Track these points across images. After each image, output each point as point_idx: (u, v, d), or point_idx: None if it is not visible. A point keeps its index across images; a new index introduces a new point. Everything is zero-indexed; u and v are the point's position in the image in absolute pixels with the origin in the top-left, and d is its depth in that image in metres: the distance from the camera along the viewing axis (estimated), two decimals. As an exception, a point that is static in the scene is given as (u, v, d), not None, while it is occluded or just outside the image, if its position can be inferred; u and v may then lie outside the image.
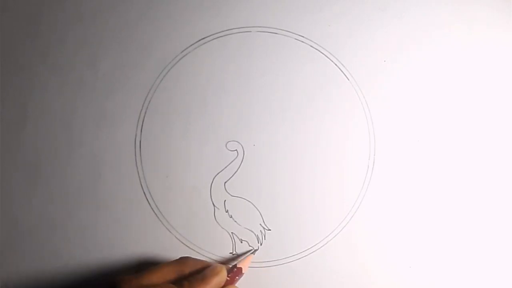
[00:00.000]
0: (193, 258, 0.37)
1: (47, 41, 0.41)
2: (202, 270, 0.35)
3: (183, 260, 0.36)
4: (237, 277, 0.37)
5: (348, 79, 0.42)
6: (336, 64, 0.42)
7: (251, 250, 0.40)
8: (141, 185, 0.40)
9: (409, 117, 0.41)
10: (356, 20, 0.42)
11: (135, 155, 0.41)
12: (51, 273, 0.40)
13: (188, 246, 0.40)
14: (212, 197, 0.41)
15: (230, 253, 0.41)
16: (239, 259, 0.39)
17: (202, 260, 0.37)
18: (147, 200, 0.40)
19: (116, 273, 0.40)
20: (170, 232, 0.40)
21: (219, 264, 0.36)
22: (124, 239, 0.40)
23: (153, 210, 0.40)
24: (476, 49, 0.42)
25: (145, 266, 0.40)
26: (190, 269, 0.35)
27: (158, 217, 0.40)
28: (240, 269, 0.37)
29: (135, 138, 0.41)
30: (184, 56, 0.41)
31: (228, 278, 0.36)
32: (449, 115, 0.42)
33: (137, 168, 0.41)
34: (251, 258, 0.39)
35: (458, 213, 0.41)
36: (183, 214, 0.40)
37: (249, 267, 0.40)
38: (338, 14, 0.42)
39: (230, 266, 0.37)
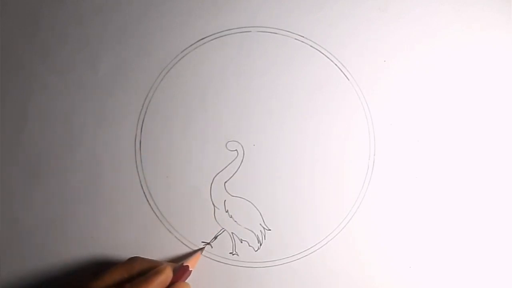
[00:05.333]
0: (141, 258, 0.37)
1: (47, 41, 0.41)
2: (149, 270, 0.35)
3: (131, 260, 0.36)
4: (184, 275, 0.37)
5: (348, 79, 0.42)
6: (336, 64, 0.42)
7: (201, 247, 0.40)
8: (141, 185, 0.40)
9: (409, 117, 0.41)
10: (356, 20, 0.42)
11: (135, 155, 0.41)
12: (51, 273, 0.40)
13: (188, 246, 0.40)
14: (212, 197, 0.41)
15: (230, 253, 0.41)
16: (188, 258, 0.39)
17: (150, 260, 0.37)
18: (147, 200, 0.40)
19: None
20: (170, 232, 0.40)
21: (164, 264, 0.36)
22: (124, 239, 0.40)
23: (153, 210, 0.40)
24: (476, 49, 0.42)
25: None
26: (138, 269, 0.36)
27: (158, 217, 0.40)
28: (187, 267, 0.37)
29: (135, 138, 0.41)
30: (184, 56, 0.41)
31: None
32: (449, 115, 0.42)
33: (137, 168, 0.41)
34: (199, 255, 0.39)
35: (458, 213, 0.41)
36: (183, 214, 0.40)
37: (249, 267, 0.40)
38: (338, 14, 0.42)
39: (178, 264, 0.37)
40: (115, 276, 0.35)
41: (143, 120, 0.41)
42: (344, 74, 0.42)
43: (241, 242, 0.41)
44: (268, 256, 0.41)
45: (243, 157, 0.41)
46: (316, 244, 0.41)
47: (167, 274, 0.35)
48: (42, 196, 0.40)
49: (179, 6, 0.42)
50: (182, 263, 0.37)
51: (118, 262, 0.40)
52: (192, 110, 0.41)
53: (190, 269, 0.37)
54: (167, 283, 0.35)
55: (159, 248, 0.40)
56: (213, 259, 0.40)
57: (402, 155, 0.41)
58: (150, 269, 0.35)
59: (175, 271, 0.36)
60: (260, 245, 0.41)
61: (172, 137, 0.41)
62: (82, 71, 0.41)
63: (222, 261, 0.40)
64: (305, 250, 0.41)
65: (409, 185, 0.41)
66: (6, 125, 0.41)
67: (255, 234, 0.41)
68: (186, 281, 0.37)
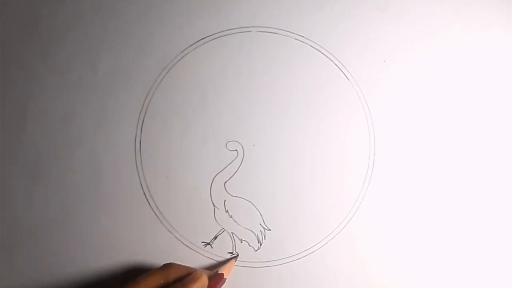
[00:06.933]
0: (177, 265, 0.37)
1: (47, 41, 0.41)
2: (185, 277, 0.35)
3: (167, 266, 0.36)
4: (219, 283, 0.37)
5: (348, 79, 0.42)
6: (336, 64, 0.42)
7: (234, 255, 0.40)
8: (141, 185, 0.40)
9: (409, 117, 0.41)
10: (356, 20, 0.42)
11: (135, 155, 0.41)
12: (51, 273, 0.40)
13: (188, 246, 0.40)
14: (212, 197, 0.41)
15: (230, 252, 0.41)
16: (222, 266, 0.39)
17: (186, 266, 0.37)
18: (147, 200, 0.40)
19: (116, 274, 0.40)
20: (170, 232, 0.40)
21: (200, 270, 0.37)
22: (124, 239, 0.40)
23: (153, 210, 0.40)
24: (476, 49, 0.42)
25: (144, 266, 0.40)
26: (174, 276, 0.35)
27: (158, 217, 0.40)
28: (222, 274, 0.37)
29: (135, 138, 0.41)
30: (184, 56, 0.41)
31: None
32: (449, 115, 0.42)
33: (137, 168, 0.41)
34: (233, 263, 0.40)
35: (458, 213, 0.41)
36: (183, 214, 0.40)
37: (249, 267, 0.40)
38: (338, 14, 0.42)
39: (213, 272, 0.38)
40: (151, 282, 0.35)
41: (143, 120, 0.41)
42: (344, 74, 0.42)
43: (241, 242, 0.41)
44: (268, 256, 0.41)
45: (243, 157, 0.41)
46: (316, 244, 0.41)
47: (203, 282, 0.35)
48: (42, 196, 0.40)
49: (179, 6, 0.42)
50: (217, 271, 0.37)
51: (119, 262, 0.40)
52: (192, 110, 0.41)
53: (225, 277, 0.37)
54: None
55: (159, 248, 0.40)
56: (213, 259, 0.40)
57: (402, 155, 0.41)
58: (186, 275, 0.35)
59: (210, 279, 0.36)
60: (260, 245, 0.41)
61: (172, 137, 0.41)
62: (82, 71, 0.41)
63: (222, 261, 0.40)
64: (305, 250, 0.41)
65: (409, 185, 0.41)
66: (6, 125, 0.41)
67: (255, 234, 0.41)
68: None
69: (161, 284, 0.35)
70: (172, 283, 0.35)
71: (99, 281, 0.40)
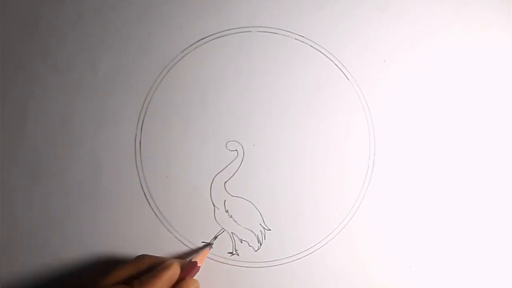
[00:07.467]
0: (149, 255, 0.37)
1: (47, 41, 0.41)
2: (157, 266, 0.35)
3: (140, 258, 0.37)
4: (192, 271, 0.37)
5: (348, 79, 0.42)
6: (336, 64, 0.42)
7: (208, 244, 0.40)
8: (141, 185, 0.40)
9: (409, 117, 0.41)
10: (356, 20, 0.42)
11: (135, 155, 0.41)
12: (51, 273, 0.40)
13: (188, 246, 0.40)
14: (212, 197, 0.41)
15: (229, 253, 0.41)
16: (196, 254, 0.39)
17: (158, 257, 0.37)
18: (147, 200, 0.40)
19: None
20: (170, 232, 0.40)
21: (172, 259, 0.36)
22: (124, 239, 0.40)
23: (153, 210, 0.40)
24: (476, 49, 0.42)
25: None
26: (146, 266, 0.36)
27: (158, 217, 0.40)
28: (195, 263, 0.37)
29: (135, 138, 0.41)
30: (184, 56, 0.41)
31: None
32: (449, 115, 0.42)
33: (137, 168, 0.41)
34: (207, 252, 0.40)
35: (458, 213, 0.41)
36: (183, 214, 0.40)
37: (249, 267, 0.40)
38: (338, 14, 0.42)
39: (186, 260, 0.37)
40: (123, 273, 0.35)
41: (143, 120, 0.41)
42: (344, 74, 0.42)
43: (241, 242, 0.41)
44: (268, 256, 0.41)
45: (243, 157, 0.41)
46: (316, 244, 0.41)
47: (175, 270, 0.35)
48: (42, 196, 0.40)
49: (179, 6, 0.42)
50: (191, 259, 0.37)
51: (120, 261, 0.40)
52: (192, 110, 0.41)
53: (199, 265, 0.37)
54: (175, 279, 0.35)
55: (159, 248, 0.40)
56: (213, 259, 0.40)
57: (402, 155, 0.41)
58: (157, 265, 0.35)
59: (183, 267, 0.36)
60: (260, 245, 0.41)
61: (172, 137, 0.41)
62: (82, 71, 0.41)
63: (222, 261, 0.40)
64: (305, 250, 0.41)
65: (409, 185, 0.41)
66: (6, 125, 0.41)
67: (255, 234, 0.41)
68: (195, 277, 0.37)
69: (132, 274, 0.35)
70: (144, 273, 0.35)
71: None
